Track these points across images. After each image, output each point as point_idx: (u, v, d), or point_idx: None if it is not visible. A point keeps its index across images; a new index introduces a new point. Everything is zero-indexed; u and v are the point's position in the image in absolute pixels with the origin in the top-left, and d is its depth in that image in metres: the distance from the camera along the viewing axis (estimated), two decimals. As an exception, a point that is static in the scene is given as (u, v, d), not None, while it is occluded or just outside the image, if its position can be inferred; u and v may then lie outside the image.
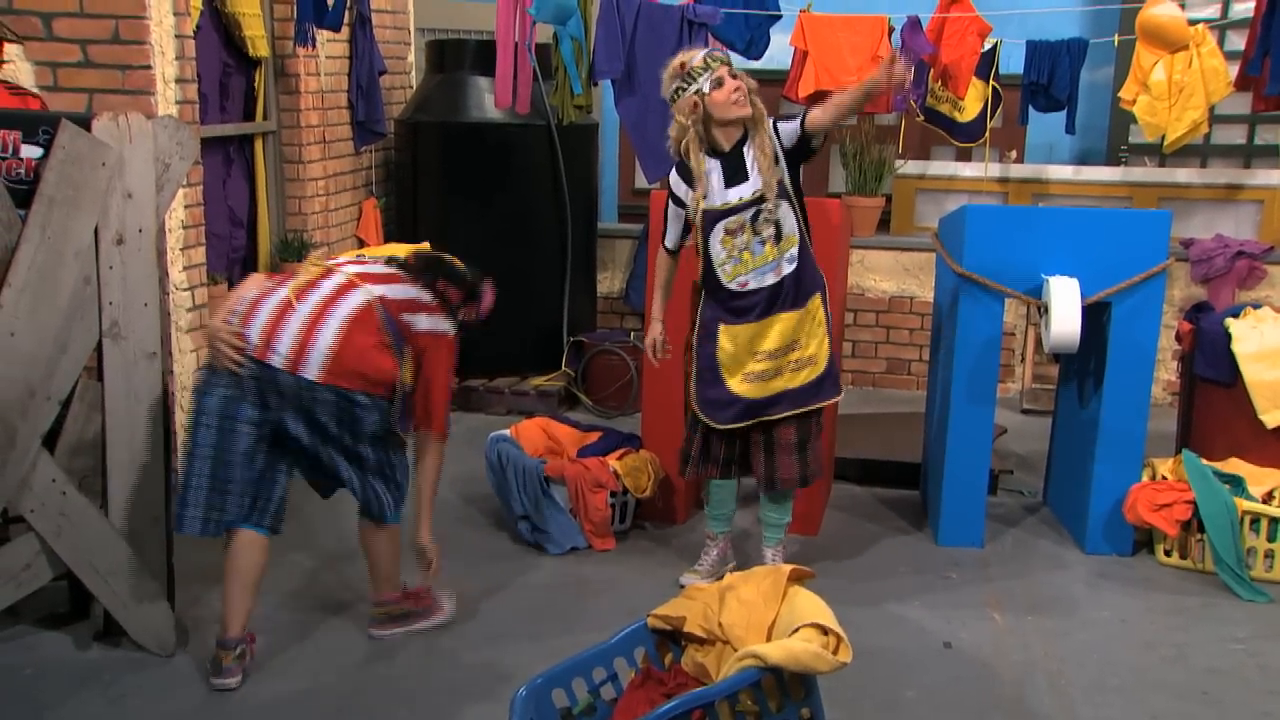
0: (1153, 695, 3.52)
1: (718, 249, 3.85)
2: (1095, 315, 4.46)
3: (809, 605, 2.92)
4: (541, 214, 6.41)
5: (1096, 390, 4.55)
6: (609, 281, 7.19)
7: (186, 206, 4.85)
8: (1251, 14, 5.73)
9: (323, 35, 5.83)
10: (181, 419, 4.91)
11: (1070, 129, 6.39)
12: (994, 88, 6.36)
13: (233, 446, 3.35)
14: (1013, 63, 6.38)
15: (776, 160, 3.83)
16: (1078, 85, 6.29)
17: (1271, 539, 4.27)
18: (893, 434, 5.63)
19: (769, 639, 2.93)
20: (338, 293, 3.44)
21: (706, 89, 3.76)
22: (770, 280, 3.85)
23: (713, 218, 3.83)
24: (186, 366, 4.92)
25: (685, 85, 3.79)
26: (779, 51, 6.12)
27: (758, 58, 5.84)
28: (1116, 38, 6.37)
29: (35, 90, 4.45)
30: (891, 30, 6.02)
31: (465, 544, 4.45)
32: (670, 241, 4.05)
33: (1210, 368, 4.69)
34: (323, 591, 4.11)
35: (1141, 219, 4.77)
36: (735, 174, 3.82)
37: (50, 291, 3.38)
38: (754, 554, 4.31)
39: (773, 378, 3.91)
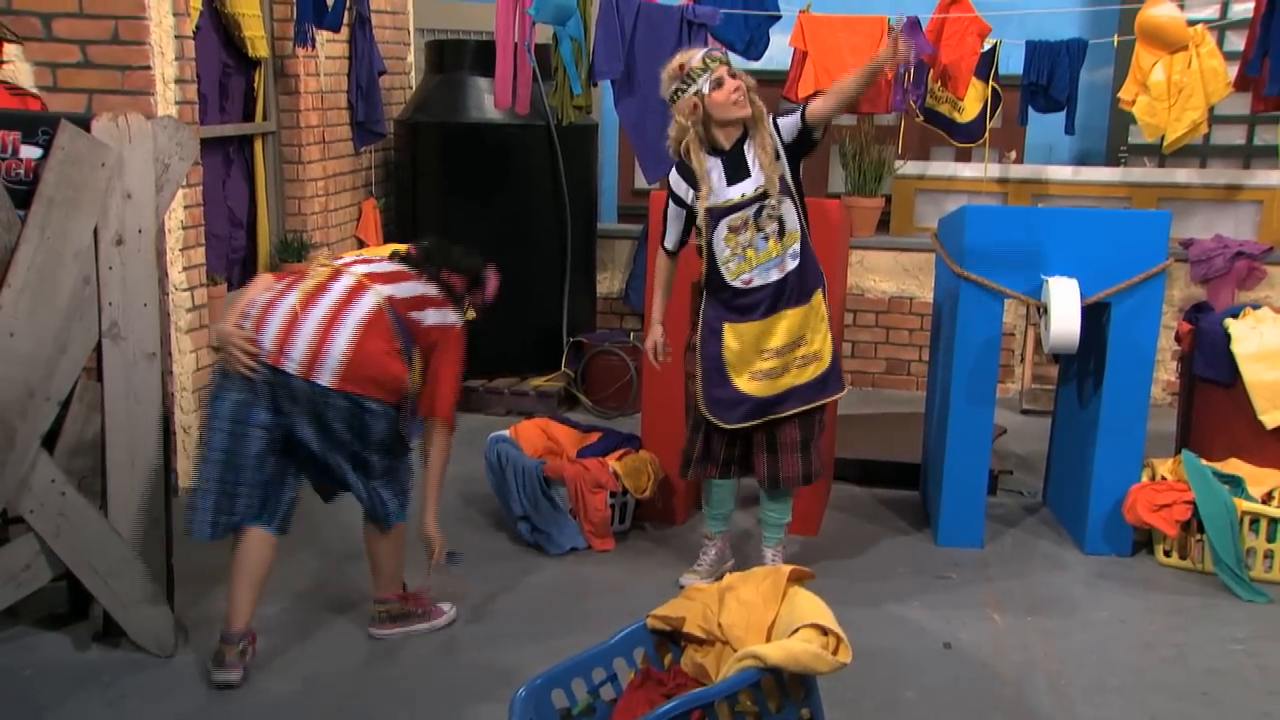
0: (1152, 696, 3.52)
1: (721, 246, 3.85)
2: (1095, 316, 4.46)
3: (808, 606, 2.92)
4: (541, 214, 6.41)
5: (1096, 391, 4.55)
6: (609, 282, 7.19)
7: (186, 207, 4.85)
8: (1250, 14, 5.72)
9: (322, 36, 5.83)
10: (181, 419, 4.92)
11: (1070, 129, 6.39)
12: (993, 88, 6.36)
13: (244, 450, 3.38)
14: (1012, 63, 6.38)
15: (777, 156, 3.83)
16: (1077, 86, 6.29)
17: (1271, 539, 4.27)
18: (892, 434, 5.63)
19: (768, 639, 2.93)
20: (349, 296, 3.45)
21: (706, 90, 3.76)
22: (774, 276, 3.85)
23: (716, 215, 3.83)
24: (186, 367, 4.92)
25: (684, 86, 3.79)
26: (778, 52, 6.12)
27: (757, 58, 5.84)
28: (1116, 38, 6.37)
29: (35, 91, 4.45)
30: (891, 31, 6.01)
31: (465, 544, 4.43)
32: (670, 243, 4.05)
33: (1210, 368, 4.70)
34: (324, 592, 4.11)
35: (1141, 219, 4.77)
36: (737, 171, 3.83)
37: (49, 292, 3.37)
38: (754, 554, 4.30)
39: (780, 375, 3.91)
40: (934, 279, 5.30)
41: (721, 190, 3.83)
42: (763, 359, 3.90)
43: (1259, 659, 3.76)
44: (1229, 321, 4.68)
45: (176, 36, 4.72)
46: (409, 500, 3.69)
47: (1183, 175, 6.85)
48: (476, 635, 3.84)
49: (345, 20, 5.81)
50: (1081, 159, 7.26)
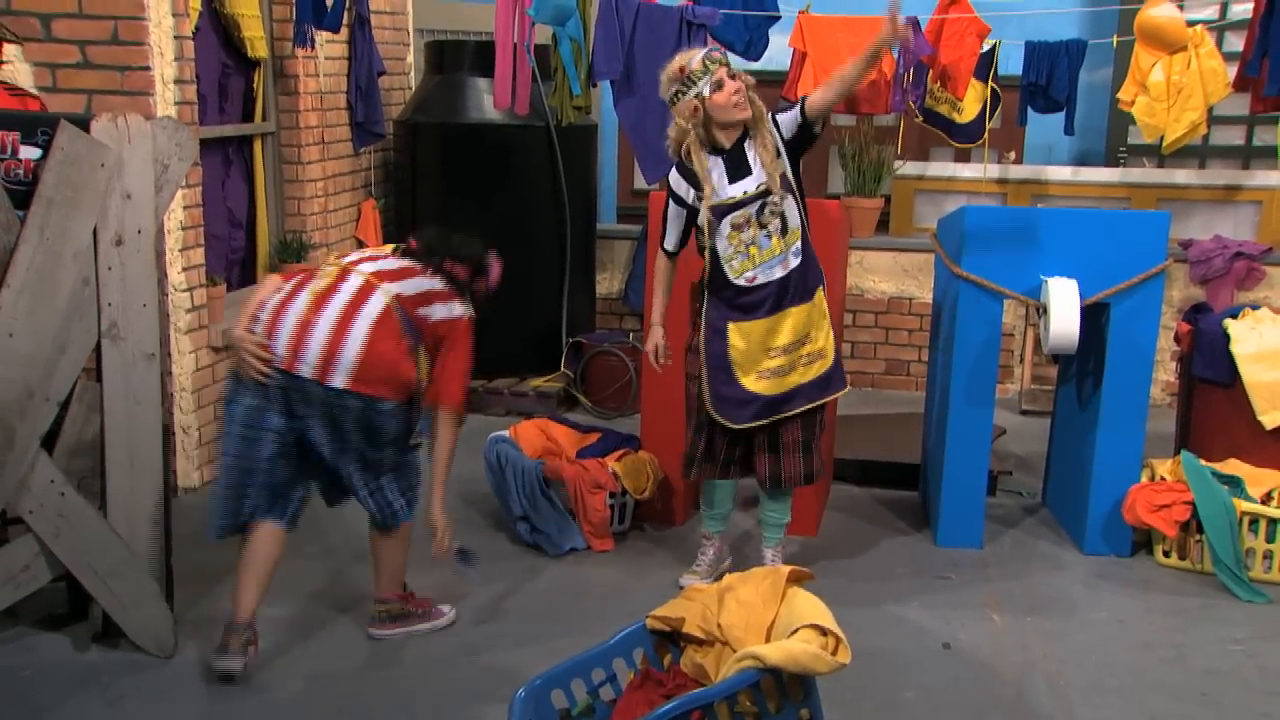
0: (1151, 696, 3.52)
1: (724, 245, 3.85)
2: (1094, 316, 4.46)
3: (808, 606, 2.92)
4: (540, 215, 6.41)
5: (1095, 391, 4.55)
6: (608, 282, 7.19)
7: (185, 207, 4.85)
8: (1250, 15, 5.72)
9: (322, 36, 5.83)
10: (180, 419, 4.92)
11: (1069, 130, 6.39)
12: (993, 89, 6.36)
13: (257, 454, 3.44)
14: (1011, 64, 6.38)
15: (778, 153, 3.84)
16: (1076, 86, 6.29)
17: (1270, 540, 4.27)
18: (892, 435, 5.63)
19: (768, 640, 2.93)
20: (358, 296, 3.47)
21: (707, 93, 3.76)
22: (778, 274, 3.85)
23: (718, 213, 3.83)
24: (185, 367, 4.92)
25: (685, 89, 3.79)
26: (778, 53, 6.12)
27: (756, 59, 5.84)
28: (1115, 39, 6.37)
29: (34, 91, 4.45)
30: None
31: (464, 545, 4.44)
32: (670, 244, 4.04)
33: (1209, 369, 4.70)
34: (326, 593, 4.11)
35: (1140, 220, 4.77)
36: (738, 169, 3.83)
37: (49, 293, 3.37)
38: (753, 555, 4.31)
39: (788, 373, 3.91)
40: (933, 279, 5.30)
41: (723, 188, 3.83)
42: (770, 357, 3.90)
43: (1258, 659, 3.76)
44: (1228, 322, 4.69)
45: (176, 37, 4.72)
46: (416, 500, 3.71)
47: (1182, 176, 6.86)
48: (476, 636, 3.84)
49: (345, 21, 5.81)
50: (1081, 159, 7.26)
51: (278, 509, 3.53)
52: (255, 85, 5.69)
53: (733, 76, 3.78)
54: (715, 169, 3.84)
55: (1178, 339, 5.03)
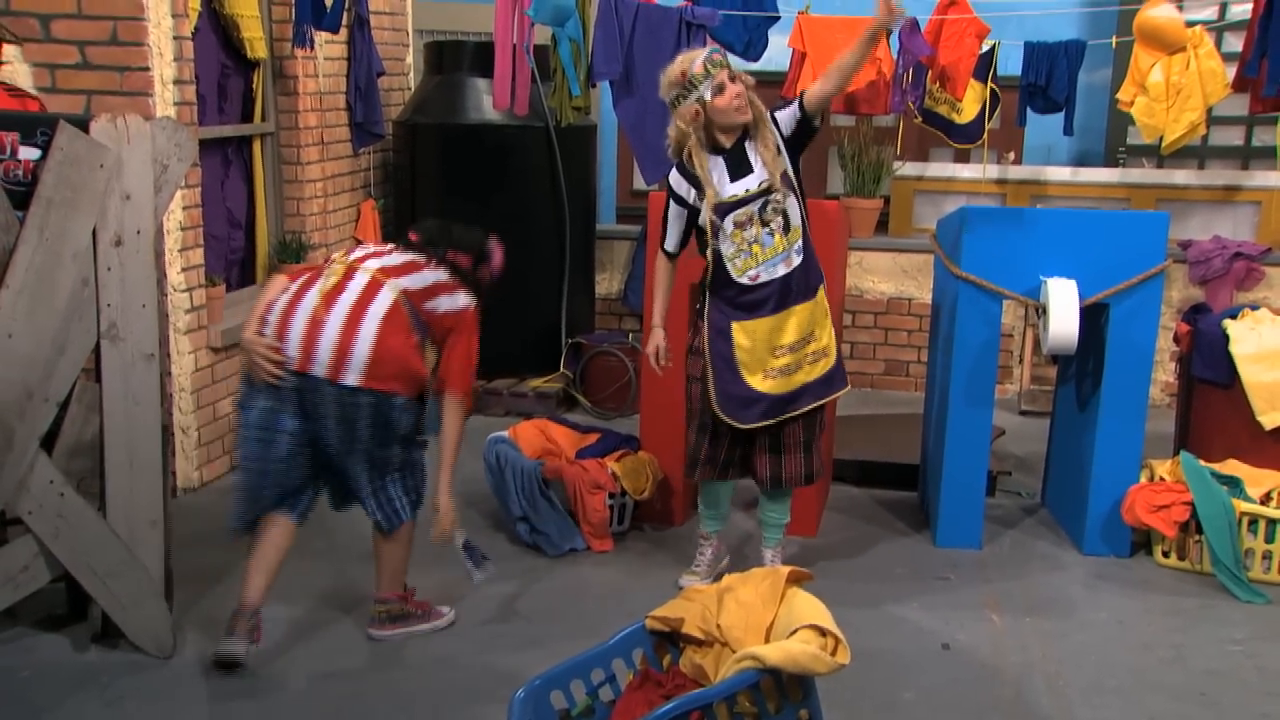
0: (1150, 696, 3.52)
1: (727, 243, 3.85)
2: (1093, 317, 4.46)
3: (807, 607, 2.92)
4: (540, 215, 6.41)
5: (1095, 392, 4.55)
6: (607, 283, 7.19)
7: (185, 208, 4.85)
8: (1249, 15, 5.73)
9: (321, 37, 5.83)
10: (180, 420, 4.92)
11: (1068, 130, 6.39)
12: (992, 89, 6.35)
13: (272, 455, 3.48)
14: (1011, 64, 6.37)
15: (779, 152, 3.84)
16: (1075, 87, 6.28)
17: (1269, 540, 4.27)
18: (891, 435, 5.63)
19: (767, 640, 2.93)
20: (366, 293, 3.50)
21: (708, 97, 3.77)
22: (781, 271, 3.85)
23: (721, 211, 3.83)
24: (185, 368, 4.92)
25: (686, 93, 3.79)
26: (777, 53, 6.11)
27: (756, 59, 5.83)
28: (1114, 39, 6.36)
29: (33, 92, 4.45)
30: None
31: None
32: (670, 244, 4.04)
33: (1208, 369, 4.70)
34: (327, 593, 4.11)
35: (1139, 220, 4.77)
36: (739, 168, 3.83)
37: (48, 293, 3.37)
38: (753, 555, 4.31)
39: (794, 371, 3.92)
40: (932, 280, 5.31)
41: (725, 187, 3.83)
42: (776, 356, 3.90)
43: (1257, 660, 3.76)
44: (1227, 322, 4.69)
45: (175, 37, 4.72)
46: (420, 501, 3.73)
47: (1181, 176, 6.86)
48: (476, 636, 3.84)
49: (344, 21, 5.81)
50: (1080, 160, 7.26)
51: (289, 504, 3.60)
52: (254, 86, 5.69)
53: (734, 79, 3.78)
54: (716, 168, 3.85)
55: (1177, 339, 5.03)
